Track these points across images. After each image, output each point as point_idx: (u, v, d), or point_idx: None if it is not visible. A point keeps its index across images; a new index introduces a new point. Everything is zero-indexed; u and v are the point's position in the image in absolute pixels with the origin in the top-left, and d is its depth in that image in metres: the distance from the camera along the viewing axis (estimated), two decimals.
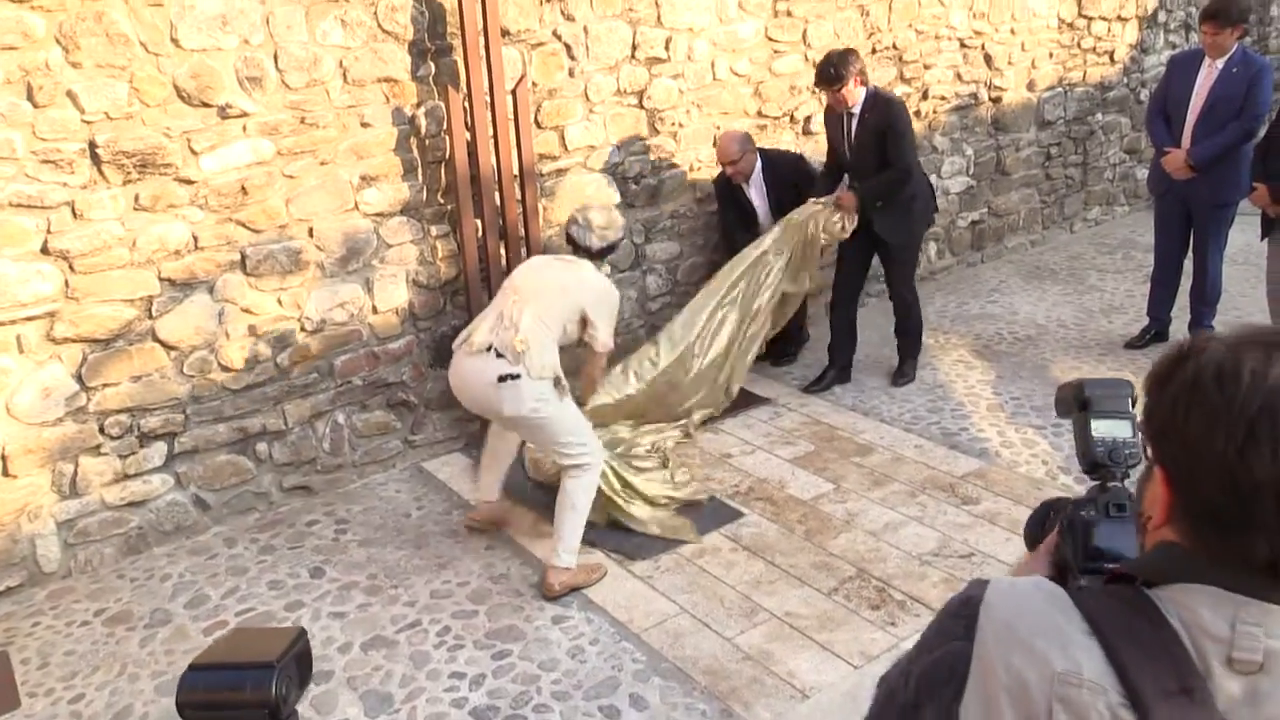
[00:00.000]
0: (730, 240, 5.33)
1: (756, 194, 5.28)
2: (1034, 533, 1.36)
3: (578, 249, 3.72)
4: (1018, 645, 0.94)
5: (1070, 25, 7.15)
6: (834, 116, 5.02)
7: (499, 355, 3.45)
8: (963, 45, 6.54)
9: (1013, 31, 6.78)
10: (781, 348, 5.58)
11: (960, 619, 1.01)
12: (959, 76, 6.54)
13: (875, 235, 5.01)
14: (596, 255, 3.71)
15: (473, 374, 3.51)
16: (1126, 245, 7.41)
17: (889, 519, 3.97)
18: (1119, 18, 7.48)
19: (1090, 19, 7.27)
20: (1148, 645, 0.91)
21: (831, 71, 4.76)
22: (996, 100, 6.88)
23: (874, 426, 4.80)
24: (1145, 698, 0.88)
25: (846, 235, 5.01)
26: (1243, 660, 0.89)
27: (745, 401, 5.11)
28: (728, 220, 5.37)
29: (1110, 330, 5.76)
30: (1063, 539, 1.24)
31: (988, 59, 6.71)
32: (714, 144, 5.33)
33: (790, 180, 5.24)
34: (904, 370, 5.30)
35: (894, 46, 6.12)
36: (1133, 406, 1.30)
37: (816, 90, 5.00)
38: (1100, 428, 1.29)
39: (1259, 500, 0.89)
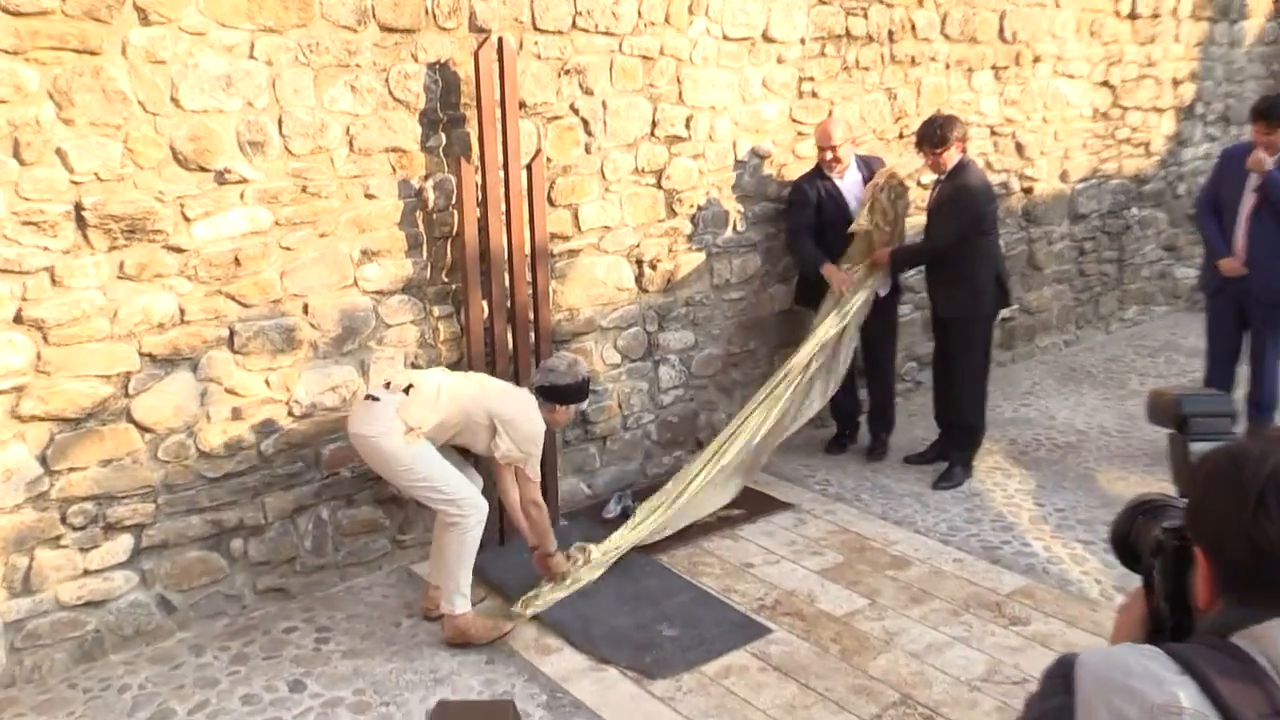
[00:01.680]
0: (798, 247, 5.46)
1: (851, 192, 5.42)
2: (1122, 541, 1.43)
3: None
4: (1116, 688, 1.13)
5: (1104, 115, 7.43)
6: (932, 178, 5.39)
7: (387, 386, 3.98)
8: (993, 133, 6.78)
9: (1045, 120, 7.04)
10: (840, 429, 5.85)
11: (1057, 678, 1.20)
12: (989, 165, 6.75)
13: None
14: (535, 390, 4.16)
15: (360, 392, 4.13)
16: (1168, 348, 7.57)
17: (931, 639, 3.96)
18: (1155, 108, 7.79)
19: (1125, 109, 7.56)
20: (1238, 677, 1.10)
21: (937, 133, 5.10)
22: (1028, 191, 7.10)
23: (908, 537, 4.82)
24: None
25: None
26: None
27: (765, 506, 5.14)
28: (799, 225, 5.42)
29: (1157, 439, 5.82)
30: (1155, 562, 1.35)
31: (1019, 148, 6.95)
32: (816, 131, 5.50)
33: None
34: (951, 474, 5.38)
35: None
36: (1233, 425, 1.50)
37: (919, 151, 5.27)
38: (1199, 451, 1.39)
39: (1276, 556, 1.14)
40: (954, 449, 5.47)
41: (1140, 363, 7.29)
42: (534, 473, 4.11)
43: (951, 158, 5.13)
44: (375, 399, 3.91)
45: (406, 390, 3.90)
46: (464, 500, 3.96)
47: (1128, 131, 7.65)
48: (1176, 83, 7.91)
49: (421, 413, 3.89)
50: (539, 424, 4.10)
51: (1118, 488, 5.26)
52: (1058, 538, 4.78)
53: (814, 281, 5.50)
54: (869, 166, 5.49)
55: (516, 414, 4.04)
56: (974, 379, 5.40)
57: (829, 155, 5.37)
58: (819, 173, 5.47)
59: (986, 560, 4.57)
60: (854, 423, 5.93)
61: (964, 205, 5.11)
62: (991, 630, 4.01)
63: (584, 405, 4.35)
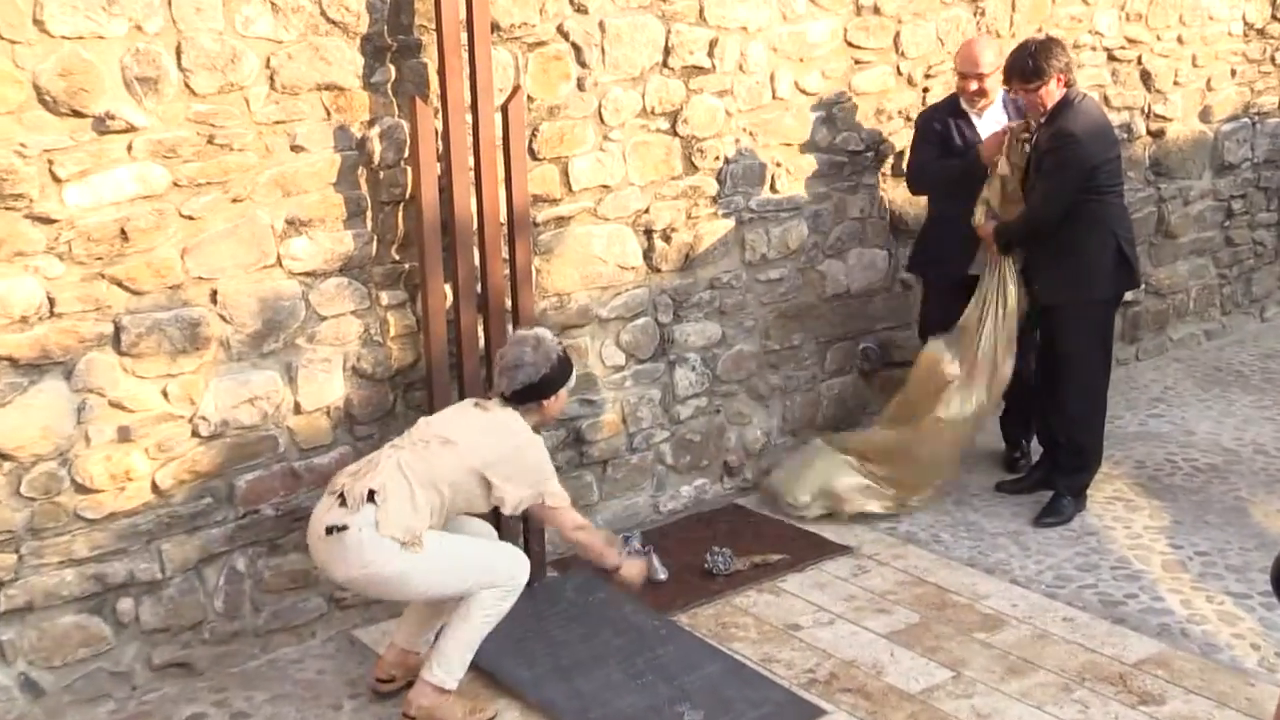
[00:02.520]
0: (925, 180, 5.68)
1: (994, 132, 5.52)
2: None
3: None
4: None
5: (1260, 32, 7.44)
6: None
7: (342, 503, 3.88)
8: (1111, 58, 6.80)
9: (1180, 40, 7.05)
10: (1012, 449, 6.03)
11: None
12: (1106, 100, 6.76)
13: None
14: (511, 399, 4.13)
15: (313, 523, 3.98)
16: None
17: None
18: None
19: None
20: None
21: (1029, 64, 5.09)
22: (1157, 134, 7.11)
23: (1002, 589, 4.84)
24: None
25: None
26: None
27: (815, 549, 5.19)
28: (924, 160, 5.62)
29: None
30: None
31: (1145, 77, 6.96)
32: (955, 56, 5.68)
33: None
34: (1058, 507, 5.41)
35: None
36: None
37: (1008, 87, 5.33)
38: None
39: None
40: (1061, 474, 5.49)
41: None
42: (557, 498, 4.14)
43: (1051, 94, 5.11)
44: (342, 528, 3.82)
45: (371, 498, 3.84)
46: (512, 563, 4.05)
47: None
48: None
49: (405, 514, 3.86)
50: (534, 444, 4.12)
51: None
52: (1201, 589, 4.78)
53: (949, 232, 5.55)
54: (1019, 109, 5.54)
55: (506, 450, 4.03)
56: (1087, 384, 5.40)
57: (973, 86, 5.46)
58: (953, 107, 5.58)
59: (1107, 619, 4.58)
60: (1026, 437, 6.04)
61: (1069, 156, 5.08)
62: (1115, 712, 4.01)
63: (573, 382, 4.29)
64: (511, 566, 4.03)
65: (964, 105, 5.55)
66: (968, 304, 5.50)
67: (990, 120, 5.54)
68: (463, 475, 3.98)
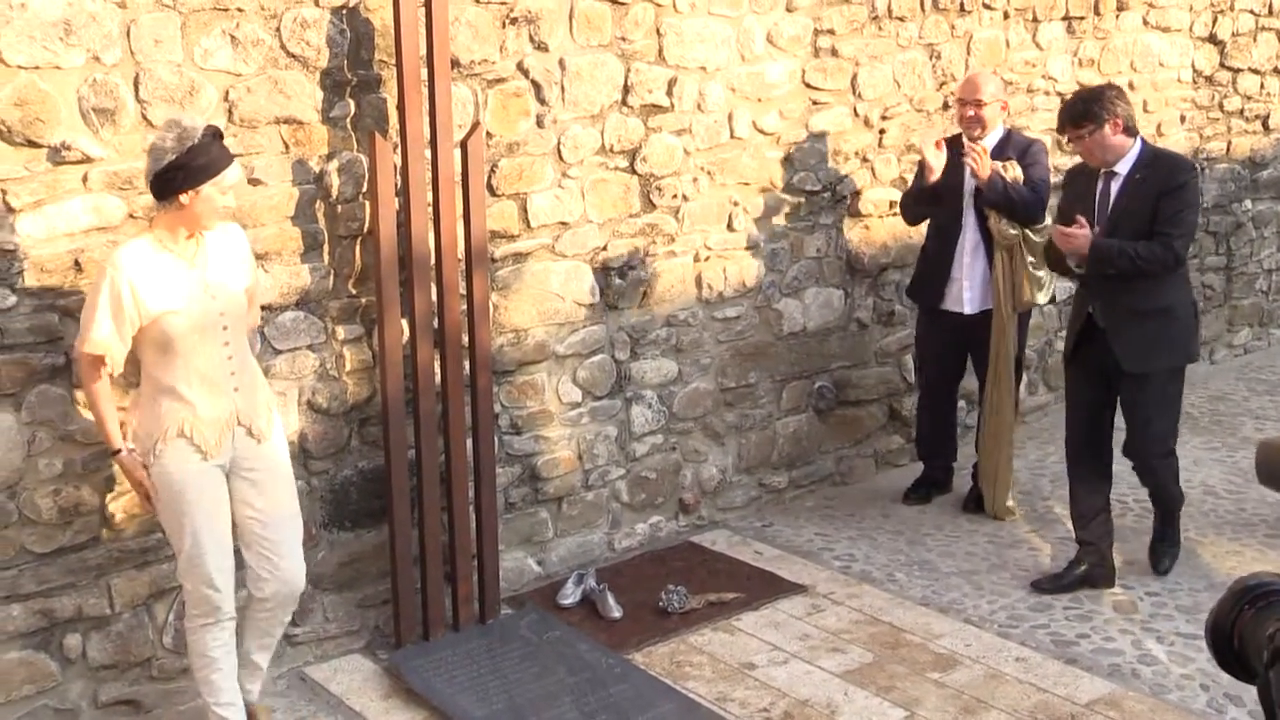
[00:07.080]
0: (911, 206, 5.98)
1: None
2: (1223, 641, 1.43)
3: None
4: None
5: (1209, 79, 7.59)
6: (1081, 176, 5.23)
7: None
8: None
9: (1132, 86, 7.16)
10: (926, 473, 6.22)
11: None
12: (1059, 145, 6.84)
13: (1110, 359, 5.04)
14: (154, 197, 3.79)
15: None
16: None
17: None
18: (1276, 70, 7.94)
19: (1236, 71, 7.72)
20: None
21: (1078, 106, 5.04)
22: None
23: (956, 629, 4.88)
24: None
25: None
26: None
27: (770, 589, 5.21)
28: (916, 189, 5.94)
29: None
30: (1271, 674, 1.36)
31: None
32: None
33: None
34: (1168, 552, 5.38)
35: None
36: None
37: (1061, 137, 5.38)
38: None
39: None
40: (1168, 525, 5.42)
41: (1256, 402, 7.42)
42: (81, 356, 3.78)
43: (1108, 140, 4.92)
44: None
45: None
46: (195, 587, 3.97)
47: (1239, 101, 7.80)
48: None
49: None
50: (103, 277, 3.71)
51: (1228, 565, 5.35)
52: (1151, 630, 4.84)
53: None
54: (1011, 146, 5.67)
55: None
56: (1167, 445, 5.24)
57: (970, 113, 5.63)
58: (954, 141, 5.75)
59: (1059, 660, 4.63)
60: (948, 465, 6.25)
61: (1194, 191, 5.06)
62: None
63: (230, 176, 3.74)
64: (209, 599, 3.97)
65: (965, 132, 5.70)
66: (945, 336, 5.87)
67: None
68: None
